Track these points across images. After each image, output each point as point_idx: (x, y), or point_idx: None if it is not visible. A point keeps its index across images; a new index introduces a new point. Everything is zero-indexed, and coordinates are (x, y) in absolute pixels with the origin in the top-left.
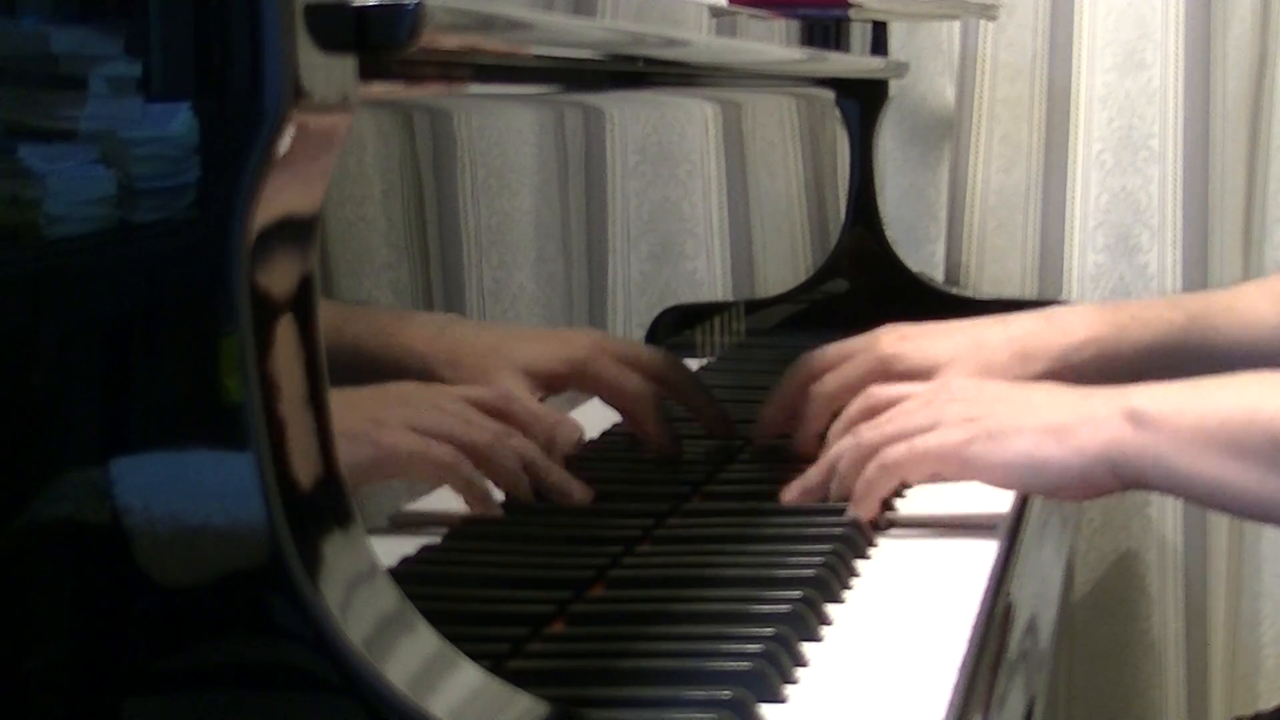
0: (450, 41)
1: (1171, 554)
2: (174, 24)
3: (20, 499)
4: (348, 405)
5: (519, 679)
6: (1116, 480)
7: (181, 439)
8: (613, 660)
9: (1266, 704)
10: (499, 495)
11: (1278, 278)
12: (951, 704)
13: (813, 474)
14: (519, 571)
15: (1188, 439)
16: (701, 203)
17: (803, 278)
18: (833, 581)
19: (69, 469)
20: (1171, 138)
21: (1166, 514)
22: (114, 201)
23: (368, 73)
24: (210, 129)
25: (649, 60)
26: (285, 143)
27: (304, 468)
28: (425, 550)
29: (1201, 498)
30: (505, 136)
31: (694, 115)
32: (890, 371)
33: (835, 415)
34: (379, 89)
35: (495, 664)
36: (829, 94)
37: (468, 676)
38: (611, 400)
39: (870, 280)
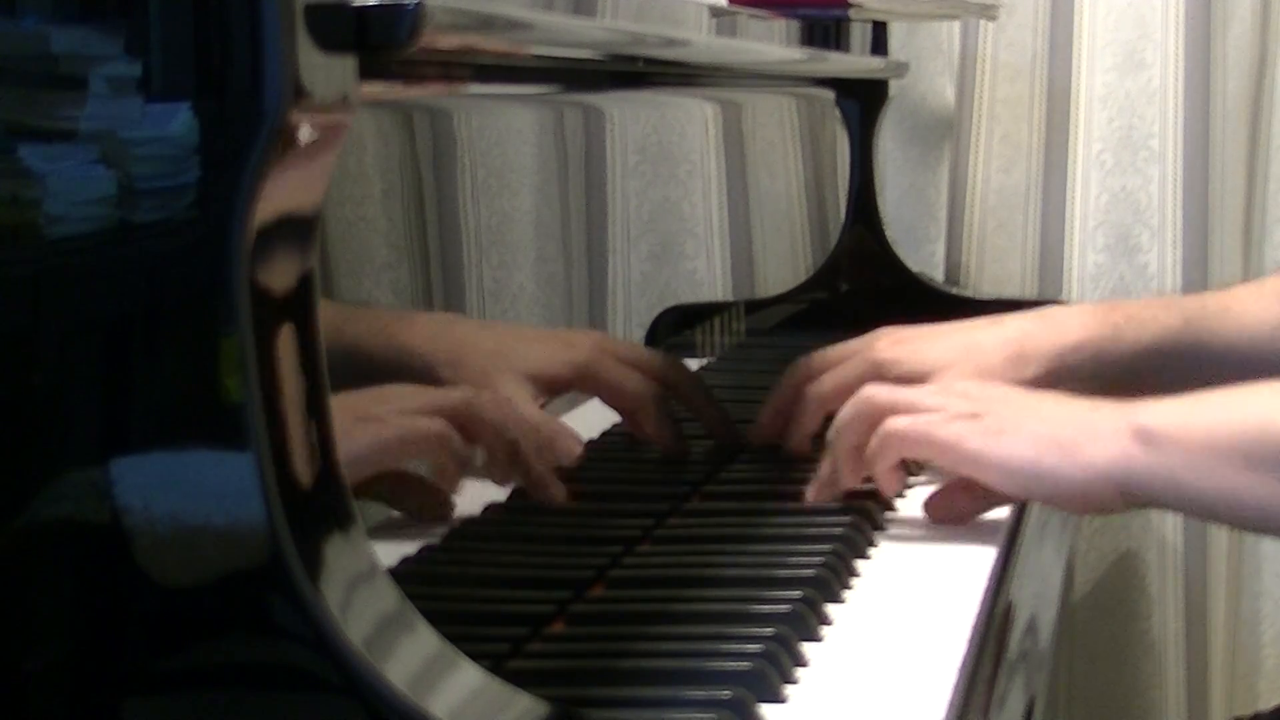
0: (450, 41)
1: (1171, 554)
2: (174, 24)
3: (20, 499)
4: (341, 407)
5: (519, 679)
6: (1121, 499)
7: (181, 439)
8: (613, 660)
9: (1266, 704)
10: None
11: (1274, 279)
12: (951, 704)
13: (824, 468)
14: (519, 571)
15: (1198, 454)
16: (701, 203)
17: (803, 278)
18: (833, 581)
19: (69, 469)
20: (1171, 138)
21: (1166, 514)
22: (114, 201)
23: (368, 73)
24: (210, 129)
25: (649, 60)
26: (285, 143)
27: (304, 468)
28: (425, 550)
29: (1214, 514)
30: (505, 136)
31: (694, 115)
32: (885, 375)
33: (830, 418)
34: (379, 89)
35: (495, 664)
36: (829, 94)
37: (468, 676)
38: (613, 402)
39: (870, 280)
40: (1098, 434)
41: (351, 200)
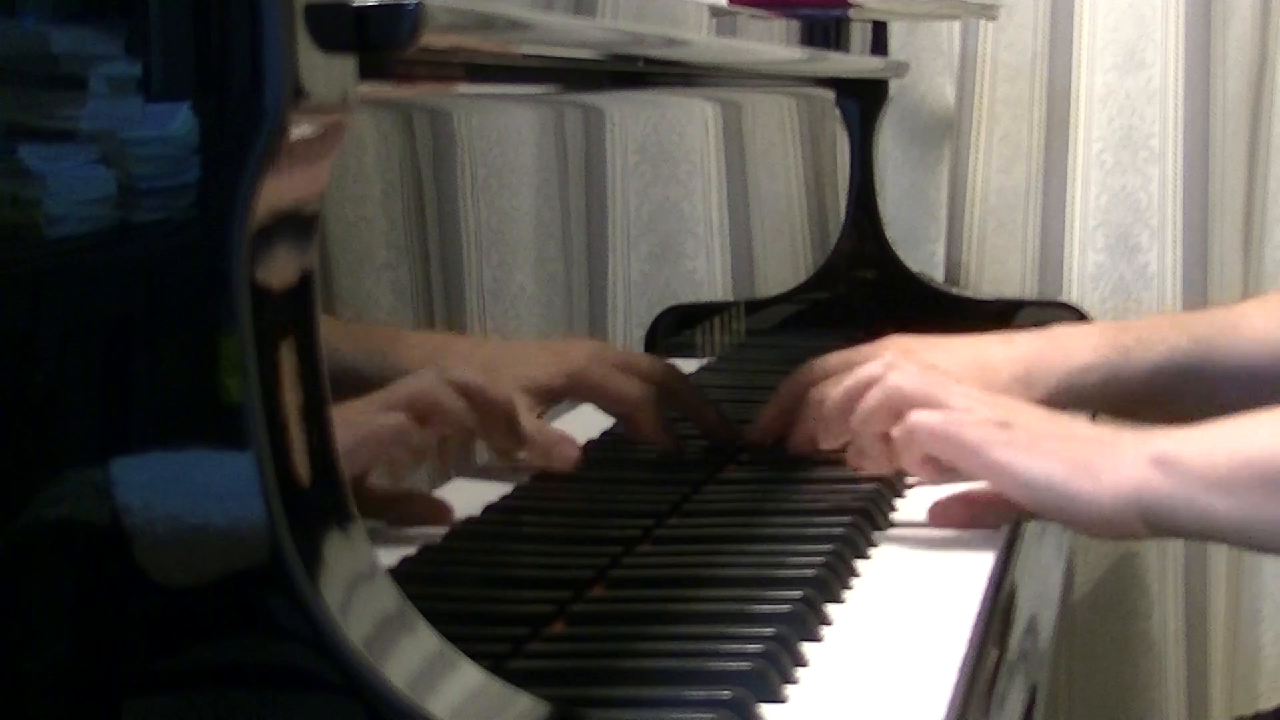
0: (450, 41)
1: (1171, 554)
2: (174, 24)
3: (20, 499)
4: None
5: (519, 679)
6: (1144, 526)
7: (181, 439)
8: (613, 660)
9: (1266, 704)
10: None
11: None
12: (951, 704)
13: (850, 450)
14: (519, 571)
15: (1218, 479)
16: (701, 203)
17: (803, 278)
18: (833, 581)
19: (69, 469)
20: (1171, 138)
21: None
22: (114, 201)
23: (368, 73)
24: (210, 129)
25: (649, 60)
26: (285, 143)
27: (304, 468)
28: (425, 550)
29: (1237, 538)
30: (505, 136)
31: (694, 115)
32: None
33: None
34: (379, 89)
35: (495, 664)
36: (829, 94)
37: (468, 676)
38: (608, 408)
39: (870, 280)
40: (1120, 459)
41: (351, 200)
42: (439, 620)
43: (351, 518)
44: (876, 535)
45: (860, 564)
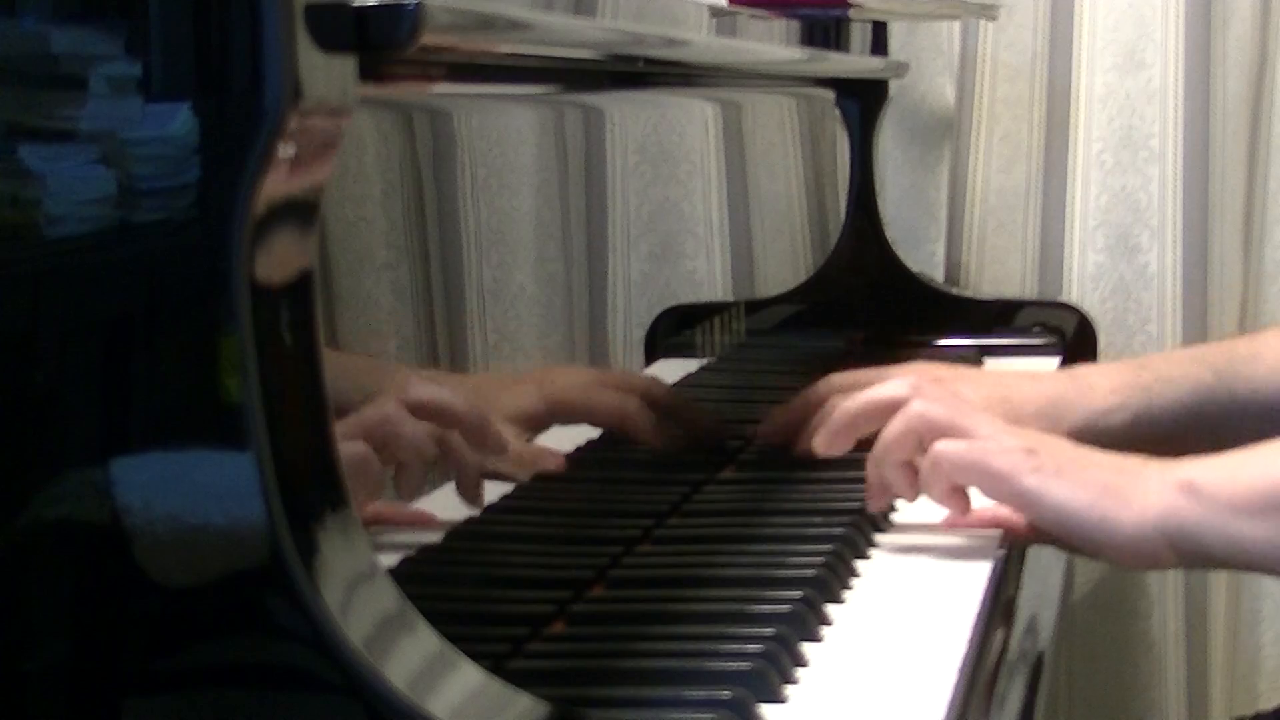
0: (450, 41)
1: None
2: (174, 24)
3: (20, 499)
4: None
5: (519, 679)
6: (1172, 553)
7: (181, 439)
8: (613, 660)
9: (1266, 704)
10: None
11: None
12: (951, 704)
13: (871, 478)
14: (519, 571)
15: (1246, 505)
16: (701, 203)
17: (803, 278)
18: (833, 581)
19: (69, 469)
20: (1171, 137)
21: None
22: (114, 201)
23: (368, 73)
24: (210, 129)
25: (649, 60)
26: (285, 142)
27: (304, 468)
28: (425, 550)
29: (1264, 564)
30: (505, 136)
31: (694, 115)
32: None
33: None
34: (379, 89)
35: (495, 664)
36: (829, 94)
37: (468, 676)
38: (596, 424)
39: (870, 280)
40: (1148, 487)
41: (351, 200)
42: (439, 620)
43: (352, 518)
44: (876, 535)
45: (860, 564)
